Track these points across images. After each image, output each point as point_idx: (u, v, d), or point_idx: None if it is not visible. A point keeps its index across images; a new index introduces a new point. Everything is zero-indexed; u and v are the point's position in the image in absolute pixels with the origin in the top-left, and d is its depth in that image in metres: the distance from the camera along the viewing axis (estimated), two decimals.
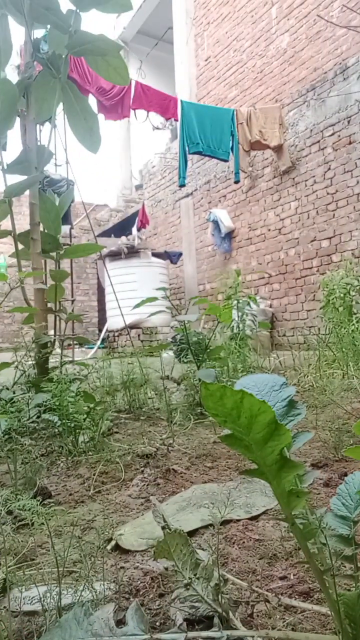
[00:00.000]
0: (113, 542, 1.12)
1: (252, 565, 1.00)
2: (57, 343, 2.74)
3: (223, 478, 1.58)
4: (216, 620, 0.73)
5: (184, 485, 1.51)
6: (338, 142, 6.64)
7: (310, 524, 0.68)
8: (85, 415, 1.95)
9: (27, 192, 2.83)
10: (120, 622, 0.76)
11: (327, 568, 0.68)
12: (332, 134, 6.72)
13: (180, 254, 10.09)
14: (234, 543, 1.10)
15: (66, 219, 6.61)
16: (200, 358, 2.66)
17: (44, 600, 0.79)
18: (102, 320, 11.25)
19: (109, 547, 1.11)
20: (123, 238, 9.54)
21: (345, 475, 1.44)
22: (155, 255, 9.47)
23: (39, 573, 0.99)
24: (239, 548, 1.07)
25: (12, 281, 2.39)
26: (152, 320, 8.16)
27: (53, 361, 2.75)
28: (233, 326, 4.17)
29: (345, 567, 0.92)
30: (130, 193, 13.90)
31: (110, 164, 15.26)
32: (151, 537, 1.12)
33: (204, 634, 0.71)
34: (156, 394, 2.88)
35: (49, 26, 2.84)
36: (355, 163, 6.39)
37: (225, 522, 1.20)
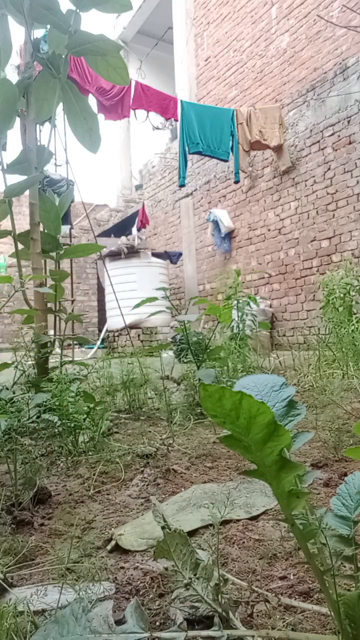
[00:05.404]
0: (113, 542, 1.12)
1: (252, 565, 1.00)
2: (56, 343, 2.74)
3: (223, 478, 1.58)
4: (216, 620, 0.73)
5: (184, 485, 1.51)
6: (338, 142, 6.64)
7: (310, 524, 0.68)
8: (85, 415, 1.95)
9: (27, 192, 2.83)
10: (120, 623, 0.76)
11: (327, 568, 0.68)
12: (332, 134, 6.72)
13: (180, 254, 10.09)
14: (234, 543, 1.10)
15: (66, 219, 6.61)
16: (200, 358, 2.66)
17: (43, 600, 0.79)
18: (102, 320, 11.24)
19: (108, 547, 1.11)
20: (123, 238, 9.54)
21: (345, 475, 1.44)
22: (155, 255, 9.46)
23: (39, 573, 0.99)
24: (239, 548, 1.07)
25: (14, 283, 2.38)
26: (152, 320, 8.16)
27: (53, 361, 2.75)
28: (233, 326, 4.17)
29: (345, 567, 0.92)
30: (130, 193, 13.89)
31: (110, 164, 15.28)
32: (151, 537, 1.12)
33: (204, 633, 0.71)
34: (156, 394, 2.88)
35: (49, 26, 2.84)
36: (355, 163, 6.39)
37: (225, 522, 1.20)
